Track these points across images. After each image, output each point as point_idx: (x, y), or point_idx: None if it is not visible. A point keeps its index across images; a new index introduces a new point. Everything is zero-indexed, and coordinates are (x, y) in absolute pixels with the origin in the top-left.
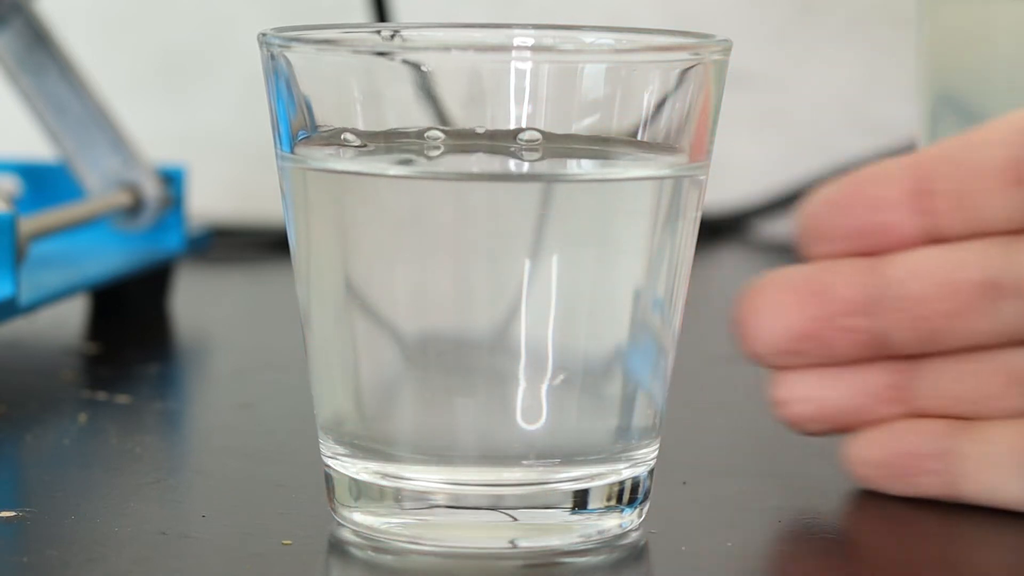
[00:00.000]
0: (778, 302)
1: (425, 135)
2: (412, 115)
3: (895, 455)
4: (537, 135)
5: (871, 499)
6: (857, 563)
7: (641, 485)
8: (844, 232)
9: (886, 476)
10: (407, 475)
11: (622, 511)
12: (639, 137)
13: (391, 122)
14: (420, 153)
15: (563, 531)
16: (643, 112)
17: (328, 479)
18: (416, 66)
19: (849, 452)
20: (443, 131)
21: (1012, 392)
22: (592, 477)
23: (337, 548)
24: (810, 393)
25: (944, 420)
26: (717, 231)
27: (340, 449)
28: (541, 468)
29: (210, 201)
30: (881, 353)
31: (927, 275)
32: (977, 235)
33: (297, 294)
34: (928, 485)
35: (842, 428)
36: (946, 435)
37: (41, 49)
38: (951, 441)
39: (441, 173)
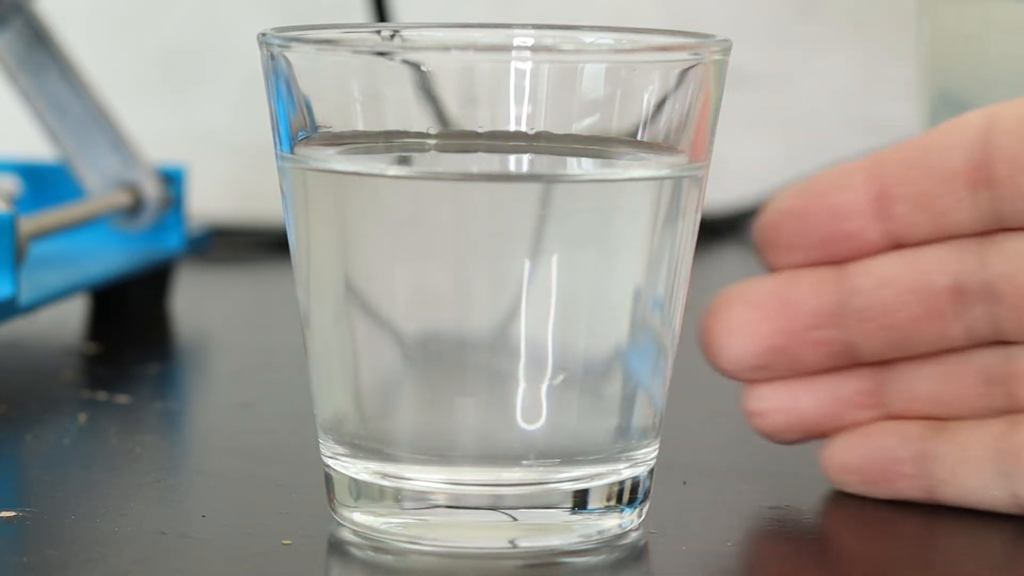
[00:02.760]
0: (744, 318)
1: (425, 135)
2: (412, 115)
3: (871, 459)
4: (536, 135)
5: (872, 500)
6: (858, 563)
7: (641, 485)
8: (806, 242)
9: (863, 481)
10: (407, 475)
11: (622, 511)
12: (639, 137)
13: (391, 122)
14: (420, 153)
15: (563, 531)
16: (643, 112)
17: (328, 479)
18: (416, 66)
19: (826, 457)
20: (443, 131)
21: (985, 392)
22: (592, 477)
23: (337, 548)
24: (783, 404)
25: (919, 422)
26: (717, 231)
27: (340, 449)
28: (541, 468)
29: (210, 201)
30: (851, 361)
31: (894, 283)
32: (941, 239)
33: (297, 294)
34: (905, 489)
35: (819, 435)
36: (922, 438)
37: (41, 49)
38: (927, 444)
39: (441, 173)
